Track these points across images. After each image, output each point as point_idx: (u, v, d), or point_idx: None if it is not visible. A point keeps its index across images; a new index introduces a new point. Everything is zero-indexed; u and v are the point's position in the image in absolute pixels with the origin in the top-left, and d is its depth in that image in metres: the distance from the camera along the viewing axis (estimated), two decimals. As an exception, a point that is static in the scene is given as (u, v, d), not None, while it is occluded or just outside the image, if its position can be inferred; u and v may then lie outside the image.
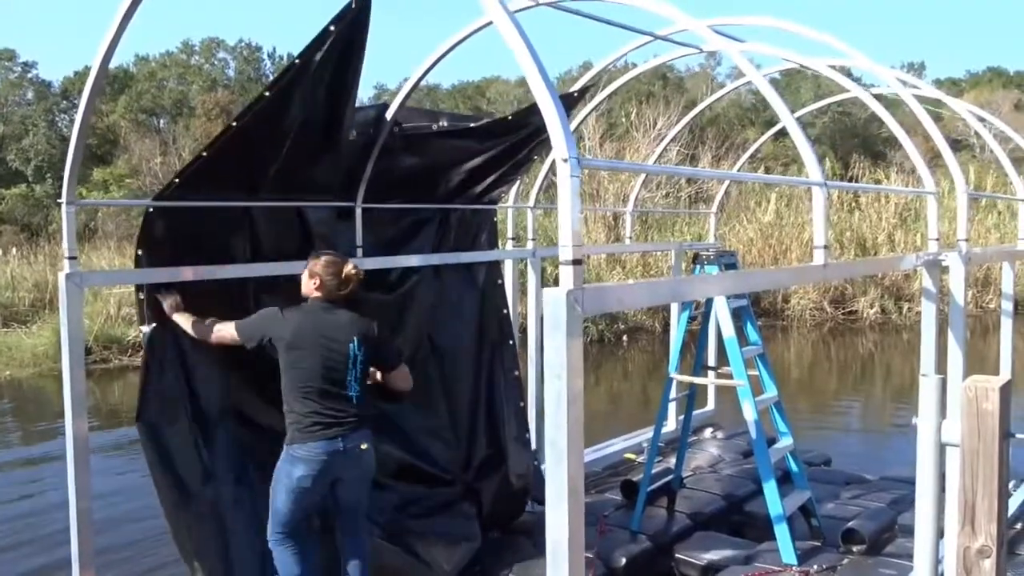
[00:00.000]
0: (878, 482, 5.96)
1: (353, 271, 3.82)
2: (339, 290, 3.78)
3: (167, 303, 3.77)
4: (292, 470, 3.68)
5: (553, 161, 5.94)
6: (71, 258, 3.42)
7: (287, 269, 4.12)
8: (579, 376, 1.80)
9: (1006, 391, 1.91)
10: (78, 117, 3.27)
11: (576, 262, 1.74)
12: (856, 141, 37.41)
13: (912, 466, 2.62)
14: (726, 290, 3.51)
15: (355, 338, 3.75)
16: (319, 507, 3.94)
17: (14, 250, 19.62)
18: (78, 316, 3.44)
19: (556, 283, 1.78)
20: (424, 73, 4.38)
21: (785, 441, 4.94)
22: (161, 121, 40.81)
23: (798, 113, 6.40)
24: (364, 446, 3.78)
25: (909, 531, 3.50)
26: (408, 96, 4.41)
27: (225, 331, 3.75)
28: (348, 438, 3.72)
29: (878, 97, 4.65)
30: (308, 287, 3.81)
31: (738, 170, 8.43)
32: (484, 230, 5.63)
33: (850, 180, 23.37)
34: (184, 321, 3.77)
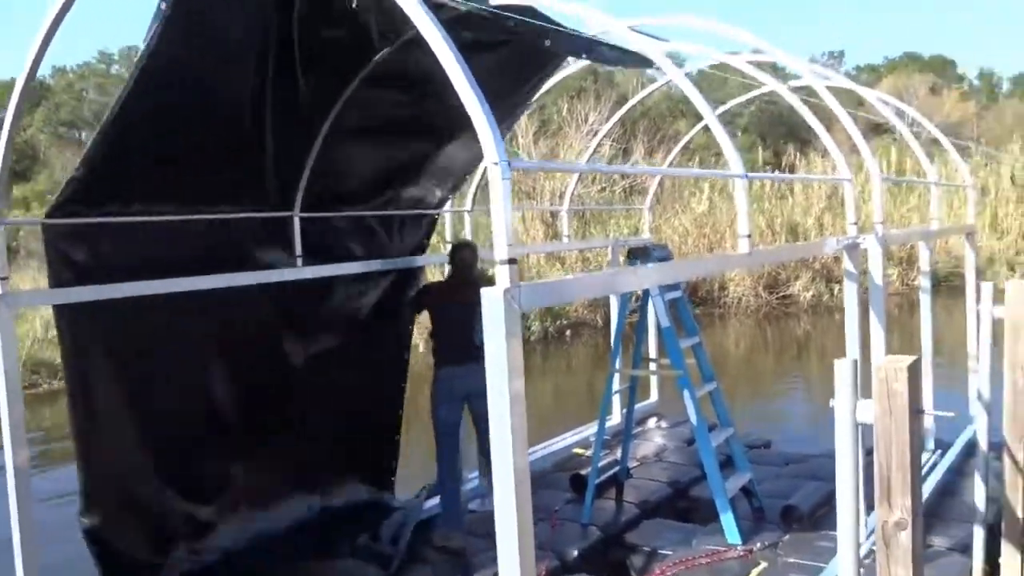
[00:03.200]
0: (816, 459, 6.16)
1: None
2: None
3: None
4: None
5: (487, 163, 5.98)
6: (2, 279, 3.32)
7: (225, 281, 4.09)
8: (520, 374, 1.85)
9: (915, 369, 2.02)
10: (3, 135, 3.17)
11: (511, 261, 1.79)
12: (784, 129, 38.31)
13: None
14: (656, 281, 3.61)
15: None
16: None
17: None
18: (12, 339, 3.35)
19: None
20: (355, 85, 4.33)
21: (725, 427, 5.09)
22: (82, 134, 39.59)
23: (722, 108, 6.56)
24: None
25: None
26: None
27: None
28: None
29: (803, 88, 4.82)
30: None
31: (669, 164, 8.59)
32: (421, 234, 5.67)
33: (781, 166, 24.00)
34: None
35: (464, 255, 5.28)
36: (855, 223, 3.74)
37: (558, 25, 3.70)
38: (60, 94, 40.45)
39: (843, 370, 2.29)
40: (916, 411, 2.13)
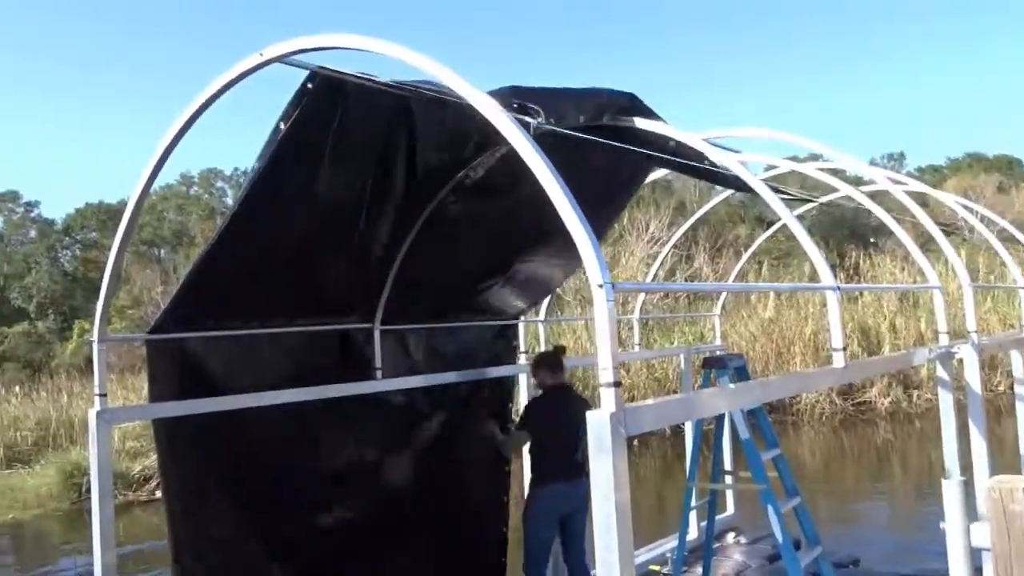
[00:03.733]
0: (911, 580, 5.80)
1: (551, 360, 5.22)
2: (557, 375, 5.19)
3: None
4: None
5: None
6: (101, 395, 3.47)
7: (318, 394, 4.17)
8: (626, 494, 1.80)
9: (1035, 490, 1.90)
10: (111, 258, 3.35)
11: (616, 384, 1.77)
12: (846, 231, 37.97)
13: (943, 559, 2.56)
14: (755, 400, 3.51)
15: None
16: None
17: (16, 388, 19.54)
18: (107, 452, 3.49)
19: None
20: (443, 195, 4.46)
21: (813, 545, 4.83)
22: (162, 251, 41.52)
23: (799, 211, 6.55)
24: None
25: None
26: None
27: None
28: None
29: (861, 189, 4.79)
30: None
31: (738, 271, 8.57)
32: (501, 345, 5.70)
33: (844, 268, 23.65)
34: None
35: (562, 360, 5.21)
36: (947, 332, 3.63)
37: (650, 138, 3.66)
38: (143, 215, 42.71)
39: (952, 492, 2.17)
40: (1040, 535, 1.99)
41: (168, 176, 46.87)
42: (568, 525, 4.95)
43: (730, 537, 7.04)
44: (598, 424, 1.73)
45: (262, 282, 3.87)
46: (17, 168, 71.78)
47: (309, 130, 3.25)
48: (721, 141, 3.93)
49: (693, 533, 6.58)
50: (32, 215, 44.96)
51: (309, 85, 3.08)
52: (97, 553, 3.43)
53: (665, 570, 6.18)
